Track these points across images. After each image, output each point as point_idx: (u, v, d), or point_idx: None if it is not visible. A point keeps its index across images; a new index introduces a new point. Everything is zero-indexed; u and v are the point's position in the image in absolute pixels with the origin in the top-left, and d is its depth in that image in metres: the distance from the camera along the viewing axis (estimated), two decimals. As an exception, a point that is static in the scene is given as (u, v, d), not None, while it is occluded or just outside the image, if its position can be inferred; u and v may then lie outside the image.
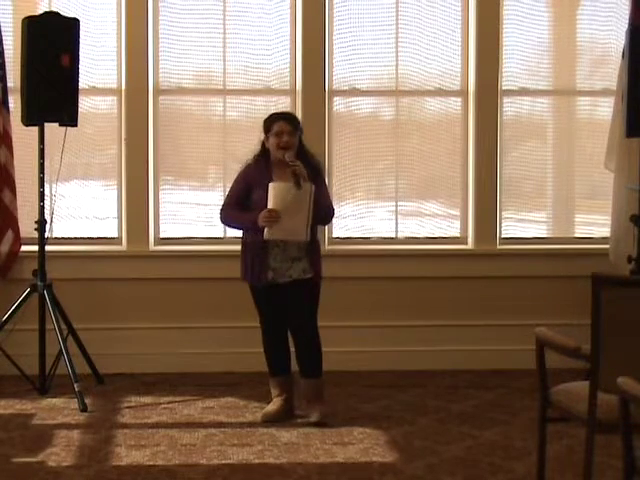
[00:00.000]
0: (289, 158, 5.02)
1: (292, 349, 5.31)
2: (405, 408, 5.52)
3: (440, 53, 6.52)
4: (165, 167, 6.43)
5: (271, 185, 5.01)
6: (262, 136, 5.20)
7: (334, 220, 6.12)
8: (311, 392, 5.22)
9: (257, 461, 4.59)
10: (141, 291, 6.28)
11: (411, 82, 6.53)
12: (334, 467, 4.51)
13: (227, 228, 6.36)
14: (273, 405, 5.26)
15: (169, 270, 6.30)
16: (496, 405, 5.60)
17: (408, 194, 6.59)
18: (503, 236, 6.59)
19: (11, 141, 6.05)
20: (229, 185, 6.37)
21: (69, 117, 5.68)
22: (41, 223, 5.74)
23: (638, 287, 3.62)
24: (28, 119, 5.61)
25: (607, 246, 6.32)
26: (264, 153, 5.20)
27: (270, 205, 4.97)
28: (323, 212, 5.11)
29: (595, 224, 6.66)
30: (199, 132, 6.48)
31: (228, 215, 5.26)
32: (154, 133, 6.35)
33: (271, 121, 5.18)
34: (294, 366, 5.30)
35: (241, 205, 5.18)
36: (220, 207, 5.31)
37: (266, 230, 5.00)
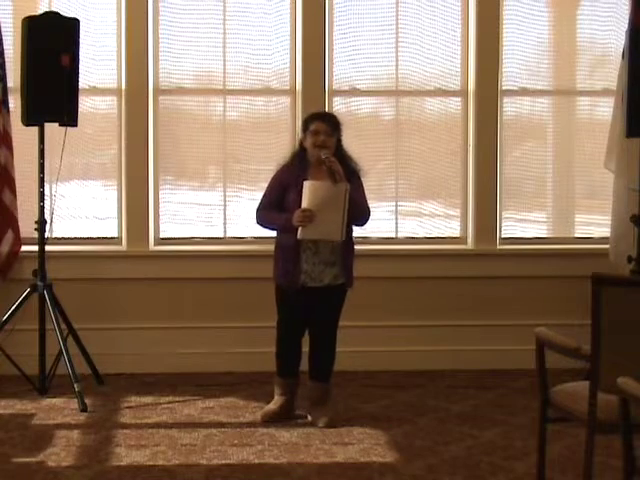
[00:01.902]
0: (325, 155, 5.01)
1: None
2: (405, 408, 5.52)
3: (440, 53, 6.52)
4: (165, 167, 6.43)
5: (306, 183, 4.97)
6: (301, 135, 5.20)
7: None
8: (317, 395, 5.21)
9: (257, 461, 4.59)
10: (141, 291, 6.28)
11: (411, 82, 6.53)
12: (334, 467, 4.51)
13: (227, 228, 6.39)
14: (274, 405, 5.25)
15: (169, 270, 6.30)
16: (496, 405, 5.60)
17: (408, 194, 6.59)
18: (503, 236, 6.59)
19: (11, 141, 6.05)
20: (229, 185, 6.43)
21: (69, 117, 5.67)
22: (41, 223, 5.74)
23: (638, 287, 3.62)
24: (28, 119, 5.61)
25: (607, 246, 6.32)
26: (301, 152, 5.17)
27: (304, 204, 4.93)
28: (358, 212, 5.07)
29: (595, 224, 6.66)
30: (199, 132, 6.47)
31: (263, 216, 5.19)
32: (154, 133, 6.35)
33: (309, 120, 5.18)
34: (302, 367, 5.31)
35: (277, 206, 5.12)
36: (256, 208, 5.23)
37: (300, 230, 4.95)
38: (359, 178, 5.18)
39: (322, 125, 5.11)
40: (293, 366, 5.26)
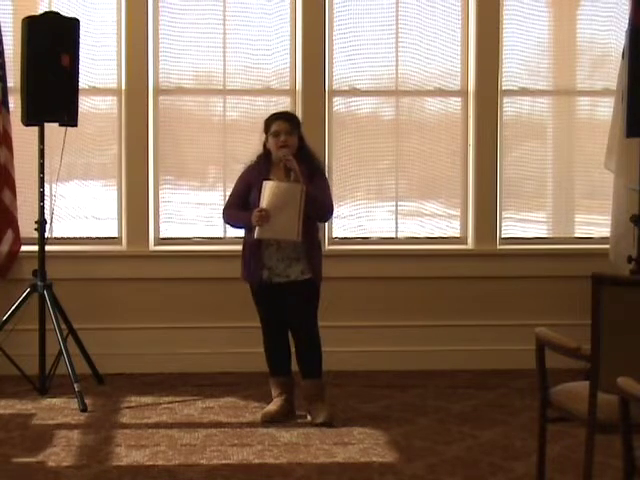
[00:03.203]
0: (283, 154, 5.05)
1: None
2: (405, 408, 5.52)
3: (440, 53, 6.52)
4: (165, 167, 6.43)
5: (264, 184, 5.05)
6: (263, 137, 5.22)
7: (334, 220, 6.14)
8: (312, 393, 5.21)
9: (257, 461, 4.59)
10: (141, 291, 6.28)
11: (411, 82, 6.53)
12: (334, 467, 4.51)
13: (227, 228, 6.38)
14: (273, 405, 5.26)
15: (169, 270, 6.30)
16: (496, 405, 5.60)
17: (408, 194, 6.59)
18: (503, 236, 6.59)
19: (11, 141, 6.05)
20: (229, 185, 6.40)
21: (69, 117, 5.68)
22: (41, 223, 5.74)
23: (638, 287, 3.62)
24: (28, 119, 5.61)
25: (607, 246, 6.32)
26: (265, 154, 5.22)
27: (262, 204, 5.01)
28: (318, 207, 5.10)
29: (595, 224, 6.66)
30: (199, 132, 6.48)
31: (228, 215, 5.31)
32: (154, 133, 6.35)
33: (270, 121, 5.22)
34: (294, 366, 5.31)
35: (242, 205, 5.20)
36: (223, 207, 5.35)
37: (257, 229, 5.03)
38: (322, 175, 5.25)
39: (282, 125, 5.14)
40: (282, 364, 5.28)
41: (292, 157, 5.06)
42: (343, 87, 6.49)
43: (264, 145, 5.22)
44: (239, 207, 5.22)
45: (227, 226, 6.37)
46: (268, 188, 5.02)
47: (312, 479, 4.37)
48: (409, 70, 6.52)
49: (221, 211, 5.36)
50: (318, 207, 5.10)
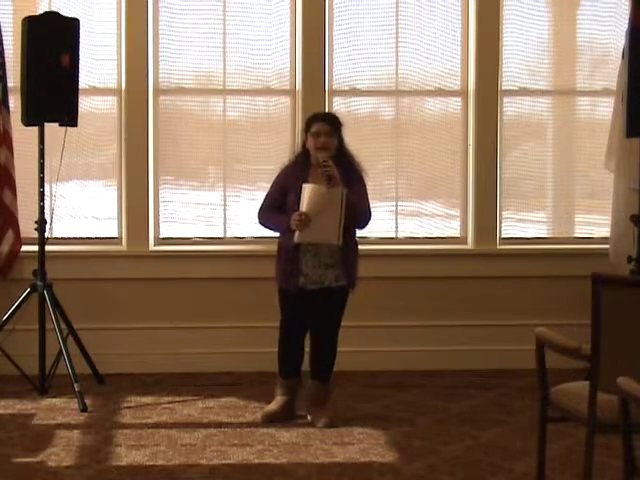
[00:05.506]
0: (322, 158, 5.00)
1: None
2: (405, 408, 5.52)
3: (440, 53, 6.52)
4: (165, 167, 6.43)
5: (304, 187, 4.98)
6: (303, 135, 5.18)
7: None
8: (317, 395, 5.21)
9: (257, 461, 4.59)
10: (141, 291, 6.28)
11: (411, 82, 6.53)
12: (334, 467, 4.51)
13: (227, 228, 6.39)
14: (274, 405, 5.26)
15: (169, 270, 6.30)
16: (496, 405, 5.60)
17: (408, 194, 6.59)
18: (503, 236, 6.59)
19: (11, 141, 6.05)
20: (229, 185, 6.44)
21: (69, 117, 5.68)
22: (41, 223, 5.74)
23: (638, 287, 3.62)
24: (28, 119, 5.61)
25: (607, 246, 6.32)
26: (304, 153, 5.17)
27: (302, 207, 4.94)
28: (359, 215, 5.06)
29: (595, 224, 6.66)
30: (199, 132, 6.47)
31: (264, 217, 5.22)
32: (154, 133, 6.35)
33: (310, 121, 5.17)
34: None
35: (278, 207, 5.13)
36: (258, 208, 5.26)
37: (296, 233, 4.97)
38: (361, 179, 5.18)
39: (323, 126, 5.10)
40: (295, 367, 5.26)
41: (331, 163, 4.97)
42: (343, 87, 6.49)
43: (303, 144, 5.18)
44: (275, 209, 5.15)
45: (227, 226, 6.40)
46: (308, 191, 4.95)
47: (312, 479, 4.37)
48: (409, 70, 6.52)
49: (257, 213, 5.25)
50: (356, 213, 5.04)
